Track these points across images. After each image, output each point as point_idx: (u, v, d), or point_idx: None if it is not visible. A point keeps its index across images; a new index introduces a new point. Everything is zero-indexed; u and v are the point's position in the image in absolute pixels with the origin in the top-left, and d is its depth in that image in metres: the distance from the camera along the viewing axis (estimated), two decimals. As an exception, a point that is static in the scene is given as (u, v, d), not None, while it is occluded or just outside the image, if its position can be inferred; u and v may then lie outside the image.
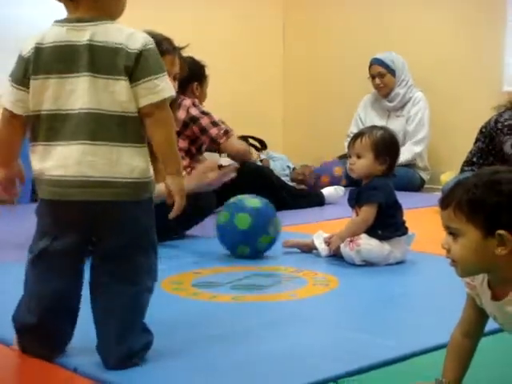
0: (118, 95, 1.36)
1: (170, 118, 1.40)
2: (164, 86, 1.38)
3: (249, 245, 2.42)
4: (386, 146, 2.37)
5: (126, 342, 1.42)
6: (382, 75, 4.55)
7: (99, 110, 1.37)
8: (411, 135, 4.54)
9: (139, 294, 1.43)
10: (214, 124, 3.40)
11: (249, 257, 2.44)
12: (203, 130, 3.39)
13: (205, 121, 3.37)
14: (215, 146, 3.45)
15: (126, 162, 1.37)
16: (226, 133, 3.42)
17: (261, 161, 4.22)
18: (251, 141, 4.28)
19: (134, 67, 1.36)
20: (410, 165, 4.52)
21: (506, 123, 3.59)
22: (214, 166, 2.68)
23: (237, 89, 5.04)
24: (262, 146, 4.24)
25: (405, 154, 4.41)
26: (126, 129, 1.38)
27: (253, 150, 4.29)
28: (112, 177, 1.37)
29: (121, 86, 1.36)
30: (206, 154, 3.87)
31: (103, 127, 1.36)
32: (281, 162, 4.58)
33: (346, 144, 4.59)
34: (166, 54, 2.52)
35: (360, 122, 4.72)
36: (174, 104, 2.63)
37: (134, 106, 1.37)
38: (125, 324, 1.42)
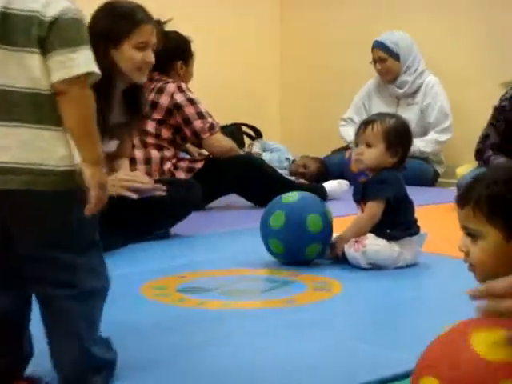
0: (32, 70, 1.31)
1: (85, 97, 1.33)
2: (81, 61, 1.31)
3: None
4: (399, 135, 2.37)
5: (76, 357, 1.36)
6: (383, 60, 4.48)
7: (10, 87, 1.31)
8: (434, 125, 4.50)
9: (78, 297, 1.36)
10: (200, 115, 3.39)
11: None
12: (186, 121, 3.38)
13: (190, 110, 3.36)
14: (195, 141, 3.44)
15: (41, 147, 1.31)
16: (212, 128, 3.41)
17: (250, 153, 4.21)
18: (245, 129, 4.27)
19: (47, 37, 1.30)
20: (424, 157, 4.50)
21: (501, 103, 3.61)
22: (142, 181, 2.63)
23: (230, 73, 5.05)
24: (257, 134, 4.23)
25: (428, 147, 4.39)
26: (41, 109, 1.32)
27: (246, 139, 4.29)
28: (26, 163, 1.31)
29: (35, 59, 1.31)
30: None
31: (15, 106, 1.31)
32: (279, 153, 4.57)
33: (344, 130, 4.85)
34: (142, 23, 2.52)
35: (364, 109, 4.67)
36: (144, 85, 2.61)
37: (48, 82, 1.32)
38: (70, 337, 1.36)
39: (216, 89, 4.78)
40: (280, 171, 3.99)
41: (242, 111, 4.82)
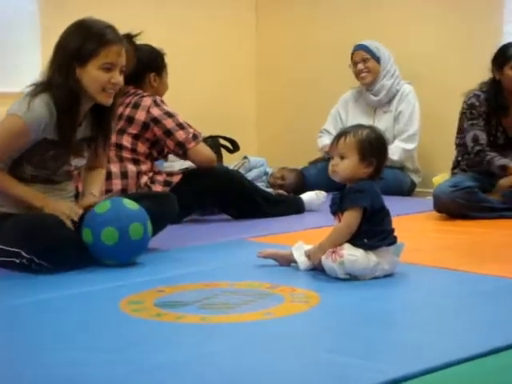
0: None
1: None
2: None
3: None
4: (373, 146, 2.38)
5: None
6: (366, 60, 4.53)
7: None
8: (400, 132, 4.53)
9: None
10: (181, 126, 3.39)
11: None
12: (168, 133, 3.37)
13: (169, 122, 3.36)
14: (180, 152, 3.43)
15: None
16: (195, 137, 3.41)
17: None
18: (222, 141, 4.25)
19: None
20: (399, 167, 4.51)
21: (468, 102, 3.65)
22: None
23: (205, 85, 5.06)
24: (234, 147, 4.22)
25: (395, 154, 4.40)
26: None
27: (225, 153, 4.28)
28: None
29: None
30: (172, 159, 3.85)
31: None
32: (260, 168, 4.57)
33: (320, 140, 4.87)
34: (110, 43, 2.49)
35: (340, 120, 4.70)
36: (116, 98, 2.59)
37: None
38: None
39: (191, 101, 4.79)
40: (258, 184, 3.99)
41: (218, 123, 4.81)
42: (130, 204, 2.55)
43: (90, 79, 2.49)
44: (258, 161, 4.62)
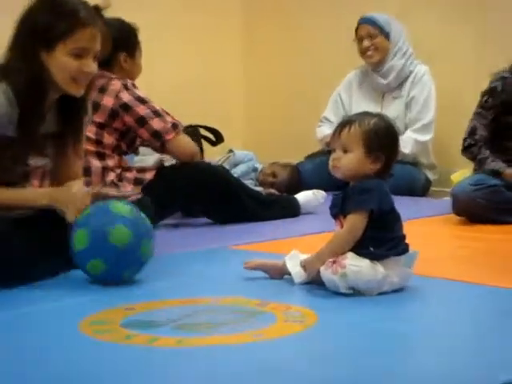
0: None
1: None
2: None
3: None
4: (381, 138, 2.38)
5: None
6: (373, 36, 4.50)
7: None
8: (413, 121, 4.51)
9: None
10: (157, 114, 3.40)
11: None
12: (141, 121, 3.37)
13: (142, 109, 3.36)
14: (156, 143, 3.42)
15: None
16: (175, 127, 3.42)
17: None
18: (203, 132, 4.25)
19: None
20: (412, 162, 4.51)
21: (491, 85, 3.66)
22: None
23: (188, 70, 5.09)
24: (218, 138, 4.22)
25: (407, 147, 4.39)
26: None
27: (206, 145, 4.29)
28: None
29: None
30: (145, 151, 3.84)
31: None
32: (247, 163, 4.56)
33: (319, 130, 4.87)
34: (83, 25, 2.43)
35: (341, 105, 4.69)
36: (89, 88, 2.56)
37: None
38: None
39: (167, 86, 4.80)
40: (246, 182, 3.99)
41: (199, 111, 4.82)
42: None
43: (57, 66, 2.43)
44: (245, 155, 4.63)
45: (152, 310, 2.22)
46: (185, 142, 3.46)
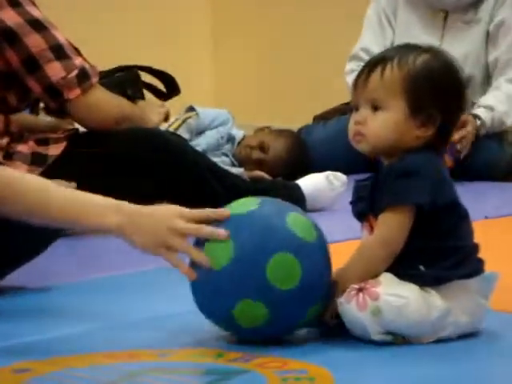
0: None
1: None
2: None
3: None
4: (436, 87, 2.40)
5: None
6: None
7: None
8: (505, 64, 4.53)
9: None
10: (58, 51, 3.43)
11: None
12: (30, 64, 3.40)
13: (36, 42, 3.36)
14: (52, 103, 3.49)
15: None
16: (85, 77, 3.46)
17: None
18: (146, 77, 4.26)
19: None
20: (493, 133, 4.54)
21: None
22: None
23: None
24: (170, 87, 4.23)
25: (501, 104, 4.41)
26: None
27: (153, 99, 4.31)
28: None
29: None
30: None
31: None
32: (216, 131, 4.58)
33: (348, 85, 4.89)
34: None
35: (389, 26, 4.66)
36: None
37: None
38: None
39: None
40: (216, 159, 3.99)
41: (148, 51, 5.15)
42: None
43: None
44: (214, 116, 4.65)
45: (60, 372, 2.21)
46: (99, 103, 3.51)
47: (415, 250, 2.37)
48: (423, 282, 2.36)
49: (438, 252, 2.38)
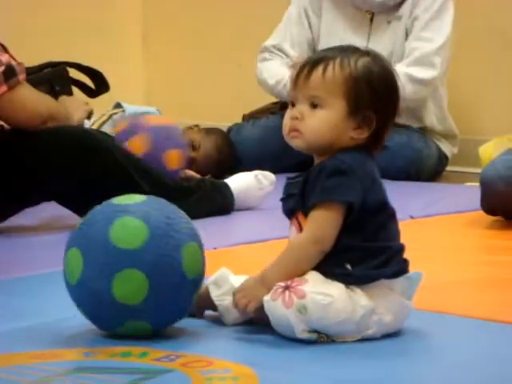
0: None
1: None
2: None
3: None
4: (375, 89, 2.42)
5: None
6: None
7: None
8: (407, 53, 4.61)
9: None
10: None
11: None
12: None
13: None
14: None
15: None
16: (11, 73, 3.44)
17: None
18: (74, 73, 4.25)
19: None
20: (418, 127, 4.57)
21: None
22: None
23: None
24: (99, 84, 4.21)
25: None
26: None
27: (81, 96, 4.29)
28: None
29: None
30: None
31: None
32: None
33: (265, 67, 4.87)
34: None
35: (309, 27, 4.69)
36: None
37: None
38: None
39: None
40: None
41: (76, 45, 5.07)
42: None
43: None
44: (142, 112, 4.62)
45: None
46: (25, 101, 3.49)
47: (342, 248, 2.38)
48: (349, 280, 2.37)
49: (365, 251, 2.40)
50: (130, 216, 2.39)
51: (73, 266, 2.39)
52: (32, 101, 3.50)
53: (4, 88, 3.40)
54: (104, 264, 2.36)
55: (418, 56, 4.58)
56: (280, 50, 4.71)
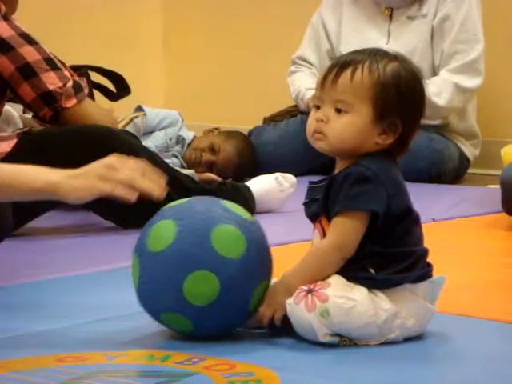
0: None
1: None
2: None
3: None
4: (403, 95, 2.41)
5: None
6: None
7: None
8: (451, 55, 4.56)
9: None
10: (52, 64, 3.48)
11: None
12: (27, 71, 3.44)
13: (31, 52, 3.43)
14: (45, 111, 3.51)
15: None
16: (80, 89, 3.52)
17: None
18: (96, 77, 4.26)
19: None
20: (439, 127, 4.55)
21: None
22: None
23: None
24: (120, 87, 4.23)
25: (443, 95, 4.44)
26: None
27: (102, 100, 4.30)
28: None
29: None
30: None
31: None
32: (164, 132, 4.57)
33: (294, 79, 4.88)
34: None
35: (325, 35, 4.70)
36: None
37: None
38: None
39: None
40: (165, 160, 3.99)
41: (95, 50, 5.08)
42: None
43: None
44: (162, 116, 4.63)
45: (3, 376, 2.19)
46: (93, 114, 3.57)
47: (366, 253, 2.37)
48: (372, 284, 2.37)
49: (389, 257, 2.39)
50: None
51: (162, 235, 2.41)
52: (99, 114, 3.58)
53: (74, 101, 3.47)
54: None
55: (463, 62, 4.55)
56: (305, 60, 4.72)
